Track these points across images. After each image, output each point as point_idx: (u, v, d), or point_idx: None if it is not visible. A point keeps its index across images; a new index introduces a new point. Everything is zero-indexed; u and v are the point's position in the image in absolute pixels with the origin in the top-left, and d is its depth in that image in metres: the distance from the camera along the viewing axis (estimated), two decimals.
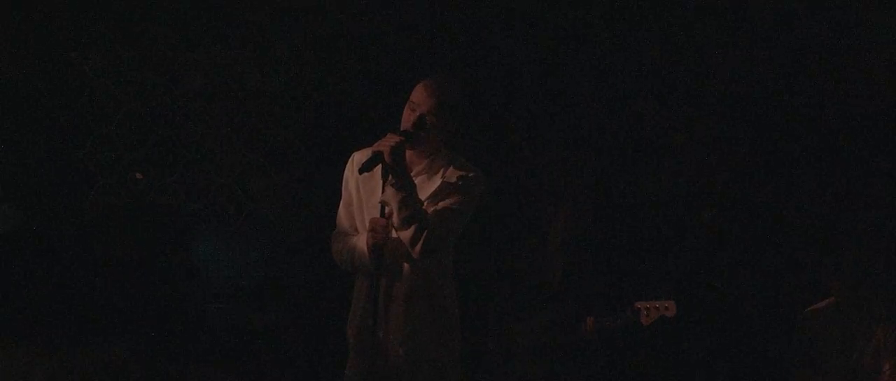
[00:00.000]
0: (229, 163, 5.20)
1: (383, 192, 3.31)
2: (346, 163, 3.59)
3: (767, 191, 5.14)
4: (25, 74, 5.03)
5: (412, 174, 3.37)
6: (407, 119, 3.37)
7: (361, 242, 3.42)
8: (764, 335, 4.95)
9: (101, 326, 4.70)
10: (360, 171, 3.30)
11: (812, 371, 4.37)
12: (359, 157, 3.49)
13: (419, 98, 3.36)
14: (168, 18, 5.16)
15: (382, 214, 3.36)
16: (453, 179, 3.41)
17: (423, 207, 3.35)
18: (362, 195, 3.49)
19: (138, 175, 5.16)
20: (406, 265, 3.41)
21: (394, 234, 3.36)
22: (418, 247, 3.31)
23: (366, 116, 5.08)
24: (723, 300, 5.04)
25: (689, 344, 5.03)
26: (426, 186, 3.41)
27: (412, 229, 3.29)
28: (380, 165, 3.32)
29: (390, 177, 3.28)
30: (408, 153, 3.36)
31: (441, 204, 3.38)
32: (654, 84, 5.20)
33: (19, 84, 5.04)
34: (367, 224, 3.39)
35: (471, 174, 3.44)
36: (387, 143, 3.26)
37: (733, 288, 5.06)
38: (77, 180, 5.09)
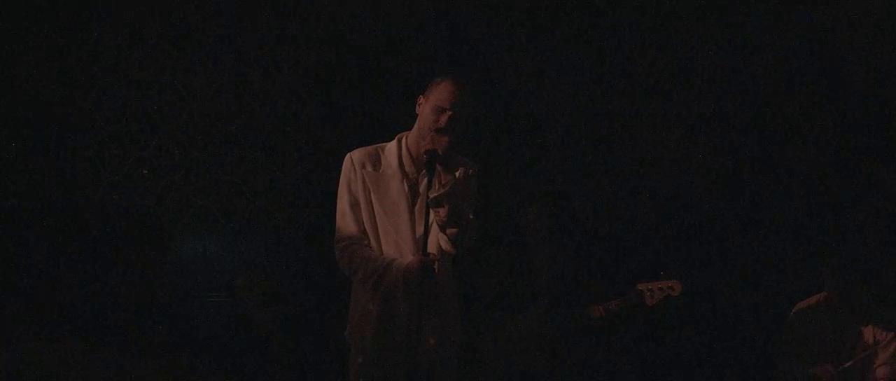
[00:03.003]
0: (232, 161, 5.26)
1: (432, 190, 3.27)
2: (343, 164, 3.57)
3: (764, 189, 5.16)
4: (31, 73, 5.07)
5: None
6: (437, 118, 3.36)
7: (396, 267, 3.36)
8: (755, 330, 4.97)
9: (102, 327, 4.75)
10: (426, 170, 3.30)
11: (802, 366, 4.39)
12: (357, 157, 3.50)
13: (451, 97, 3.35)
14: (173, 18, 5.21)
15: (426, 221, 3.30)
16: (463, 175, 3.46)
17: None
18: (373, 195, 3.46)
19: (144, 172, 5.20)
20: (443, 269, 3.43)
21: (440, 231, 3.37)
22: (462, 243, 3.36)
23: (364, 116, 5.13)
24: (715, 295, 5.07)
25: (680, 337, 5.06)
26: None
27: (458, 226, 3.33)
28: (382, 165, 3.38)
29: (441, 176, 3.28)
30: None
31: (463, 200, 3.41)
32: (650, 81, 5.22)
33: (24, 83, 5.08)
34: (412, 264, 3.30)
35: (472, 168, 3.50)
36: (440, 141, 3.31)
37: (726, 284, 5.09)
38: (80, 179, 5.13)
